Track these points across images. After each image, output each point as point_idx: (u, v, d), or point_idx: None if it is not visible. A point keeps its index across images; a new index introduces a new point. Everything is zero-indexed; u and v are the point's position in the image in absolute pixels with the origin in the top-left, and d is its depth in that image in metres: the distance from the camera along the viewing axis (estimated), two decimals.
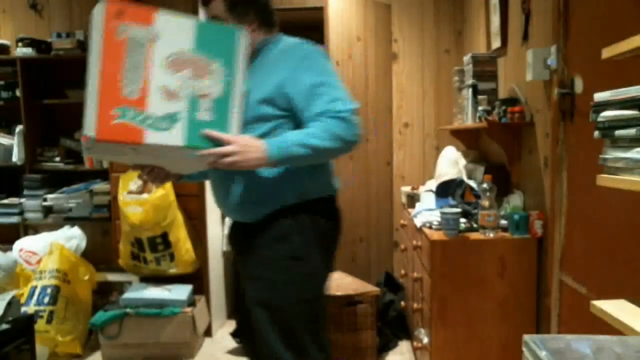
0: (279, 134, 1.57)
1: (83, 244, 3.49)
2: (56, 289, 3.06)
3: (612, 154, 1.16)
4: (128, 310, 3.01)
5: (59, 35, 3.74)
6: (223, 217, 3.51)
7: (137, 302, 3.04)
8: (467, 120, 2.92)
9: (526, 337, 0.90)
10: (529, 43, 2.38)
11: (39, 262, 3.26)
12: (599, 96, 1.20)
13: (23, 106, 3.70)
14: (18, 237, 3.55)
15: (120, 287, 3.43)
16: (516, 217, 2.25)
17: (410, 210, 2.99)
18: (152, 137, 1.33)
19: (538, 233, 2.21)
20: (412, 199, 3.11)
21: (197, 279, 3.28)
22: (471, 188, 2.62)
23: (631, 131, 1.07)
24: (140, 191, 3.18)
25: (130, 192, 3.19)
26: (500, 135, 2.56)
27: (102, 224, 3.74)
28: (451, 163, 3.06)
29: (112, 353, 3.04)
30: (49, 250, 3.25)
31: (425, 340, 2.43)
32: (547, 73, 2.13)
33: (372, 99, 3.60)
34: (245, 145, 1.46)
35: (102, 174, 3.78)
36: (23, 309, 2.72)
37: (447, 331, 2.28)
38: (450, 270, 2.26)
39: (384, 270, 3.57)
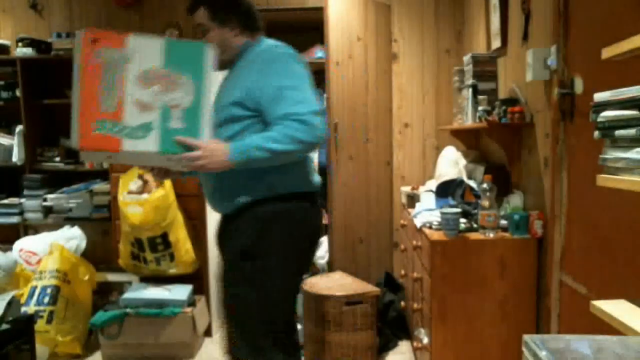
0: (248, 134, 1.67)
1: (83, 244, 3.49)
2: (56, 289, 3.06)
3: (612, 154, 1.16)
4: (128, 310, 3.01)
5: (59, 35, 3.75)
6: None
7: (137, 302, 3.04)
8: (467, 120, 2.92)
9: (526, 337, 0.90)
10: (529, 43, 2.38)
11: (39, 262, 3.26)
12: (599, 96, 1.20)
13: (23, 106, 3.71)
14: (18, 237, 3.55)
15: (120, 287, 3.43)
16: (516, 217, 2.25)
17: (410, 210, 2.99)
18: (129, 145, 1.52)
19: (538, 233, 2.21)
20: (412, 199, 3.11)
21: (197, 279, 3.28)
22: (471, 188, 2.62)
23: (631, 131, 1.07)
24: (140, 191, 3.18)
25: (130, 192, 3.19)
26: (500, 136, 2.56)
27: (102, 224, 3.74)
28: (451, 163, 3.06)
29: (112, 353, 3.04)
30: (49, 250, 3.25)
31: (425, 340, 2.43)
32: (547, 73, 2.13)
33: (372, 99, 3.60)
34: (212, 150, 1.60)
35: (102, 174, 3.78)
36: (23, 309, 2.72)
37: (447, 331, 2.28)
38: (450, 270, 2.26)
39: (384, 270, 3.57)
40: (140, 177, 3.19)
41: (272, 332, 1.76)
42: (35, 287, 3.07)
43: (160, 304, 3.02)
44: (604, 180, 1.18)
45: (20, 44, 3.73)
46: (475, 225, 2.36)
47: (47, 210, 3.76)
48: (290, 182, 1.76)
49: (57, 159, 3.82)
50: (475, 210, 2.40)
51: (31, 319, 2.52)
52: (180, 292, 3.10)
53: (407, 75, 3.81)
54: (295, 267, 1.82)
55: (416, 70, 3.81)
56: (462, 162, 3.02)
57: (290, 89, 1.65)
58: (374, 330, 2.80)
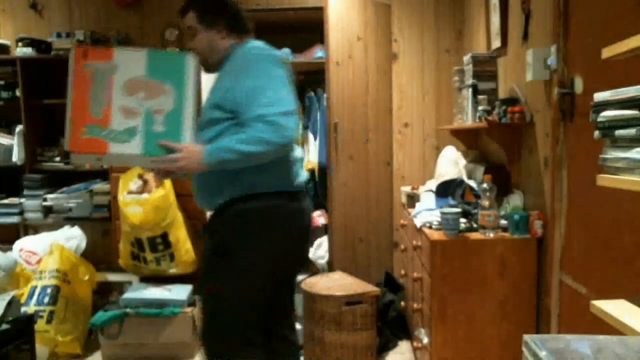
0: (227, 136, 1.72)
1: (83, 244, 3.49)
2: (56, 289, 3.06)
3: (612, 154, 1.16)
4: (128, 310, 3.01)
5: (59, 35, 3.75)
6: None
7: (137, 302, 3.04)
8: (467, 120, 2.92)
9: (526, 337, 0.90)
10: (529, 43, 2.38)
11: (39, 262, 3.26)
12: (599, 96, 1.20)
13: (23, 106, 3.71)
14: (18, 237, 3.55)
15: (120, 287, 3.43)
16: (516, 217, 2.25)
17: (410, 210, 2.99)
18: (115, 148, 1.65)
19: (538, 233, 2.21)
20: (412, 199, 3.11)
21: (197, 279, 3.26)
22: (471, 188, 2.62)
23: (631, 131, 1.07)
24: (140, 191, 3.18)
25: (130, 192, 3.19)
26: (500, 135, 2.56)
27: (102, 224, 3.74)
28: (451, 163, 3.06)
29: (112, 353, 3.04)
30: (49, 250, 3.25)
31: (425, 340, 2.43)
32: (547, 73, 2.13)
33: (372, 99, 3.60)
34: (189, 152, 1.69)
35: (102, 174, 3.78)
36: (23, 309, 2.72)
37: (447, 331, 2.28)
38: (450, 270, 2.26)
39: (384, 270, 3.57)
40: (140, 177, 3.19)
41: (239, 328, 1.82)
42: (35, 287, 3.07)
43: (160, 304, 3.02)
44: (604, 180, 1.18)
45: (20, 43, 3.73)
46: (475, 225, 2.36)
47: (47, 210, 3.76)
48: (268, 181, 1.79)
49: (57, 159, 3.82)
50: (475, 210, 2.40)
51: (31, 319, 2.52)
52: (180, 292, 3.10)
53: (407, 75, 3.81)
54: (269, 267, 1.83)
55: (416, 70, 3.81)
56: (462, 162, 3.02)
57: (261, 91, 1.69)
58: (373, 330, 2.80)
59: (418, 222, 2.57)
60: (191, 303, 3.11)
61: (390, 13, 3.75)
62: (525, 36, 2.41)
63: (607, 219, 1.70)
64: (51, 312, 2.99)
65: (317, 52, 3.70)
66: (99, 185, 3.73)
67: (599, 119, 1.18)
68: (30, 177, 3.76)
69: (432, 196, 2.75)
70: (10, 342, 2.31)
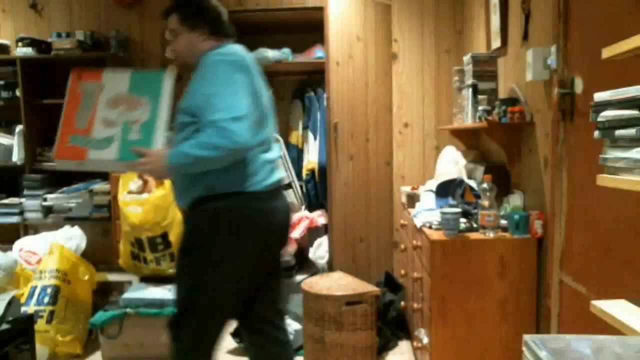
0: (190, 139, 1.78)
1: (83, 244, 3.49)
2: (56, 289, 3.06)
3: (612, 154, 1.16)
4: (128, 310, 3.01)
5: (59, 35, 3.74)
6: None
7: (137, 302, 3.04)
8: (467, 120, 2.92)
9: (526, 337, 0.90)
10: (529, 43, 2.38)
11: (39, 262, 3.26)
12: (599, 96, 1.20)
13: (23, 106, 3.70)
14: (18, 237, 3.55)
15: (120, 287, 3.43)
16: (516, 217, 2.25)
17: (410, 210, 2.99)
18: (93, 154, 1.83)
19: (538, 233, 2.21)
20: (412, 199, 3.11)
21: None
22: (471, 188, 2.62)
23: (631, 131, 1.07)
24: (140, 191, 3.18)
25: (130, 192, 3.19)
26: (500, 135, 2.56)
27: (102, 224, 3.74)
28: (451, 163, 3.06)
29: (112, 353, 3.04)
30: (49, 250, 3.25)
31: (425, 340, 2.43)
32: (547, 73, 2.13)
33: (372, 99, 3.60)
34: (155, 157, 1.79)
35: (102, 174, 3.78)
36: (23, 309, 2.72)
37: (447, 331, 2.28)
38: (450, 270, 2.26)
39: (384, 270, 3.57)
40: (140, 176, 3.19)
41: (197, 326, 1.89)
42: (35, 287, 3.07)
43: (160, 304, 3.02)
44: (604, 180, 1.18)
45: (20, 43, 3.72)
46: (475, 225, 2.36)
47: (47, 210, 3.76)
48: (231, 182, 1.83)
49: None
50: (475, 210, 2.40)
51: (31, 318, 2.52)
52: None
53: (407, 75, 3.81)
54: (230, 266, 1.86)
55: (416, 70, 3.81)
56: (462, 162, 3.02)
57: (215, 96, 1.74)
58: (373, 330, 2.80)
59: (418, 222, 2.57)
60: None
61: (390, 13, 3.75)
62: (525, 36, 2.41)
63: (607, 218, 1.70)
64: (51, 312, 2.99)
65: (317, 52, 3.70)
66: (99, 185, 3.73)
67: (599, 119, 1.18)
68: (30, 177, 3.76)
69: (432, 196, 2.75)
70: (10, 342, 2.31)
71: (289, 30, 3.91)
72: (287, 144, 4.02)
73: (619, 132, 1.12)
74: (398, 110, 3.81)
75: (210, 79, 1.78)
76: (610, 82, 1.40)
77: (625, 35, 1.14)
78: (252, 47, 3.67)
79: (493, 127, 2.49)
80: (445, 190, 2.68)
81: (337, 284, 2.89)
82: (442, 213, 2.32)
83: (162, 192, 3.10)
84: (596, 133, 1.20)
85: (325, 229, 3.57)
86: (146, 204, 3.08)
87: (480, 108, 2.64)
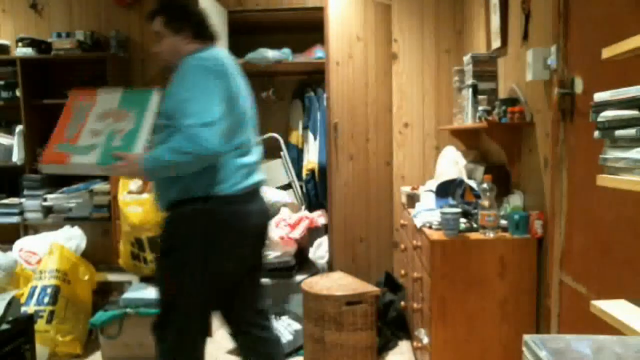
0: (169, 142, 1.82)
1: (83, 244, 3.49)
2: (56, 289, 3.06)
3: (612, 154, 1.16)
4: (128, 310, 3.01)
5: (59, 35, 3.74)
6: None
7: (137, 302, 3.04)
8: (467, 120, 2.92)
9: (526, 337, 0.90)
10: (529, 43, 2.38)
11: (39, 262, 3.26)
12: (599, 96, 1.20)
13: (23, 106, 3.70)
14: (18, 237, 3.55)
15: (120, 287, 3.43)
16: (516, 217, 2.25)
17: (410, 210, 2.99)
18: (75, 159, 1.93)
19: (538, 233, 2.21)
20: (412, 199, 3.11)
21: None
22: (471, 188, 2.62)
23: (631, 131, 1.07)
24: (140, 191, 3.18)
25: (130, 192, 3.19)
26: (500, 135, 2.56)
27: (102, 224, 3.73)
28: (451, 163, 3.06)
29: (112, 353, 3.04)
30: (49, 250, 3.25)
31: (425, 340, 2.43)
32: (547, 73, 2.13)
33: (372, 99, 3.60)
34: (132, 160, 1.82)
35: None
36: (23, 309, 2.72)
37: (447, 331, 2.28)
38: (450, 270, 2.26)
39: (384, 270, 3.57)
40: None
41: (180, 326, 1.93)
42: (35, 287, 3.07)
43: None
44: (604, 180, 1.18)
45: (20, 44, 3.72)
46: (475, 225, 2.36)
47: (47, 210, 3.76)
48: (204, 185, 1.85)
49: None
50: (475, 210, 2.40)
51: (31, 319, 2.52)
52: None
53: (407, 75, 3.81)
54: (206, 268, 1.88)
55: (416, 70, 3.81)
56: (462, 162, 3.02)
57: (188, 101, 1.77)
58: (373, 330, 2.80)
59: (418, 222, 2.57)
60: None
61: (390, 13, 3.75)
62: (525, 36, 2.41)
63: (607, 218, 1.70)
64: (51, 312, 2.99)
65: (317, 52, 3.70)
66: (99, 185, 3.73)
67: (599, 119, 1.18)
68: (30, 177, 3.75)
69: (432, 196, 2.75)
70: (10, 342, 2.31)
71: (289, 30, 3.91)
72: (287, 144, 4.02)
73: (619, 132, 1.12)
74: (398, 110, 3.81)
75: (186, 83, 1.81)
76: (610, 82, 1.40)
77: (625, 35, 1.14)
78: (252, 47, 3.71)
79: (493, 127, 2.49)
80: (445, 190, 2.68)
81: (337, 284, 2.89)
82: (442, 213, 2.32)
83: None
84: (596, 133, 1.20)
85: (325, 229, 3.57)
86: (146, 204, 3.07)
87: (480, 108, 2.64)
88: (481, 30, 3.22)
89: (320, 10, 3.32)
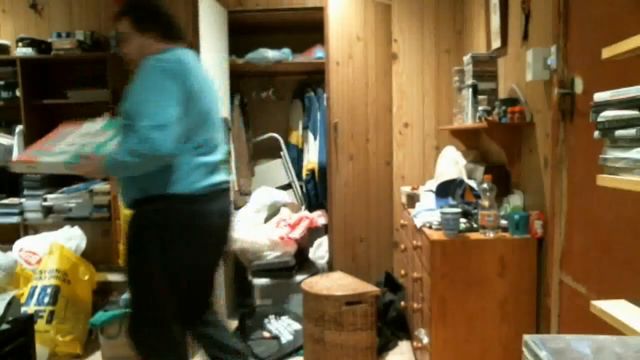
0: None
1: (83, 244, 3.49)
2: (56, 289, 3.06)
3: (612, 154, 1.16)
4: (128, 310, 3.01)
5: (59, 35, 3.74)
6: None
7: None
8: (467, 120, 2.92)
9: (526, 337, 0.90)
10: (529, 43, 2.38)
11: (39, 262, 3.26)
12: (599, 96, 1.20)
13: (23, 106, 3.70)
14: (18, 237, 3.55)
15: (120, 287, 3.43)
16: (516, 217, 2.25)
17: (410, 210, 2.99)
18: (44, 159, 2.00)
19: (538, 233, 2.21)
20: (412, 199, 3.11)
21: None
22: (471, 188, 2.62)
23: (631, 131, 1.07)
24: None
25: None
26: (500, 135, 2.56)
27: (102, 224, 3.73)
28: (451, 163, 3.06)
29: (112, 353, 3.04)
30: (49, 250, 3.25)
31: (425, 340, 2.43)
32: (547, 73, 2.13)
33: (372, 99, 3.60)
34: (94, 160, 1.88)
35: None
36: (23, 309, 2.72)
37: (447, 331, 2.28)
38: (450, 270, 2.26)
39: (384, 270, 3.57)
40: None
41: (145, 325, 1.98)
42: (35, 287, 3.07)
43: None
44: (604, 180, 1.18)
45: (20, 44, 3.72)
46: (475, 225, 2.36)
47: (47, 210, 3.76)
48: (162, 185, 1.88)
49: None
50: (475, 210, 2.40)
51: (31, 319, 2.52)
52: None
53: (407, 75, 3.81)
54: (165, 266, 1.91)
55: (416, 70, 3.81)
56: (462, 162, 3.02)
57: (142, 103, 1.79)
58: (373, 330, 2.80)
59: (418, 222, 2.57)
60: None
61: (390, 13, 3.75)
62: (525, 36, 2.41)
63: (607, 218, 1.70)
64: (51, 312, 2.99)
65: (317, 52, 3.70)
66: (99, 185, 3.73)
67: (599, 119, 1.18)
68: (30, 177, 3.75)
69: (432, 196, 2.75)
70: (10, 342, 2.31)
71: (289, 30, 3.91)
72: (287, 144, 4.02)
73: (619, 132, 1.12)
74: (398, 110, 3.81)
75: (142, 84, 1.84)
76: (610, 82, 1.40)
77: (625, 35, 1.14)
78: (252, 47, 3.71)
79: (493, 127, 2.49)
80: (445, 190, 2.68)
81: (337, 284, 2.89)
82: (442, 213, 2.32)
83: None
84: (596, 133, 1.20)
85: (325, 229, 3.57)
86: None
87: (480, 108, 2.64)
88: (481, 30, 3.22)
89: (320, 10, 3.32)
